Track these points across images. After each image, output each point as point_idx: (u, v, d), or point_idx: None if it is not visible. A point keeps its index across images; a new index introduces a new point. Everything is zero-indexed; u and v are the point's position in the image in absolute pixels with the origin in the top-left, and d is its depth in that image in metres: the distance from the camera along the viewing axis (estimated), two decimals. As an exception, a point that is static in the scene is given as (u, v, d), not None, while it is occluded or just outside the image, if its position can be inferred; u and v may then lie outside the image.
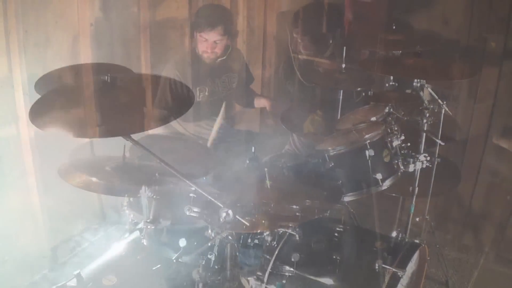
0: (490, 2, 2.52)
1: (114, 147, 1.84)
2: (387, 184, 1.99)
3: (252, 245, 1.80)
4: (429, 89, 2.24)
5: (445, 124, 2.12)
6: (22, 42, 2.21)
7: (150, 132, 2.20)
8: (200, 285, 1.67)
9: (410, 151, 2.07)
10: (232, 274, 1.74)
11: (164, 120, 1.59)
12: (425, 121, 2.10)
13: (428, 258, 2.01)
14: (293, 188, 1.85)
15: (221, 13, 2.74)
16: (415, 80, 2.24)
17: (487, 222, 2.84)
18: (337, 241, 1.91)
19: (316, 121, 2.47)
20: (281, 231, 1.81)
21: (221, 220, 1.57)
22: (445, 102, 2.13)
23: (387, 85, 2.58)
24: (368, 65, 2.46)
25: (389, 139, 2.01)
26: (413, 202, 2.24)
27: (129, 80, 1.73)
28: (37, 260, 2.48)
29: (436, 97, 2.18)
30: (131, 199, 1.76)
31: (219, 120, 2.62)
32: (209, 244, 1.67)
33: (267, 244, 1.82)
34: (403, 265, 1.76)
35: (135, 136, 1.53)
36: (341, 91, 2.36)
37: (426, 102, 2.15)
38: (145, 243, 1.72)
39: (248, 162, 1.88)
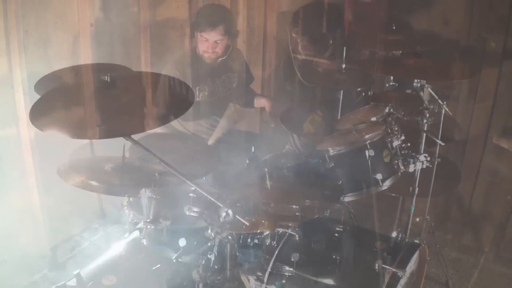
0: (490, 2, 2.52)
1: (114, 147, 1.84)
2: (387, 184, 1.99)
3: (252, 245, 1.80)
4: (429, 89, 2.24)
5: (445, 124, 2.12)
6: (22, 42, 2.21)
7: (150, 131, 2.20)
8: (200, 285, 1.67)
9: (410, 151, 2.07)
10: (232, 274, 1.73)
11: (164, 120, 1.59)
12: (425, 121, 2.10)
13: (428, 258, 2.01)
14: (293, 188, 1.85)
15: (222, 13, 2.74)
16: (415, 80, 2.24)
17: (487, 222, 2.84)
18: (337, 241, 1.91)
19: (316, 121, 2.47)
20: (280, 231, 1.81)
21: (221, 220, 1.57)
22: (445, 103, 2.13)
23: (387, 85, 2.57)
24: (368, 65, 2.46)
25: (389, 139, 2.01)
26: (413, 202, 2.24)
27: (128, 79, 1.73)
28: (37, 260, 2.48)
29: (436, 97, 2.18)
30: (131, 199, 1.76)
31: (224, 122, 2.62)
32: (209, 244, 1.67)
33: (267, 244, 1.82)
34: (403, 265, 1.76)
35: (135, 136, 1.52)
36: (341, 91, 2.36)
37: (426, 102, 2.15)
38: (144, 243, 1.72)
39: (248, 162, 1.88)
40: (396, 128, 2.04)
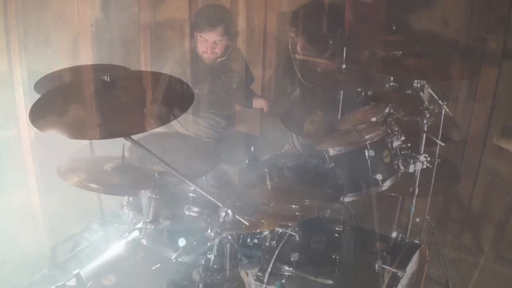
0: (490, 2, 2.52)
1: (114, 147, 1.84)
2: (387, 184, 1.98)
3: (251, 244, 1.80)
4: (429, 90, 2.24)
5: (445, 125, 2.12)
6: (23, 42, 2.21)
7: (150, 131, 2.20)
8: (200, 285, 1.67)
9: (410, 152, 2.06)
10: (232, 274, 1.73)
11: (164, 119, 1.59)
12: (425, 121, 2.10)
13: (428, 259, 2.00)
14: (293, 188, 1.85)
15: (222, 13, 2.74)
16: (415, 81, 2.24)
17: (487, 222, 2.84)
18: (337, 241, 1.91)
19: (316, 122, 2.47)
20: (280, 231, 1.81)
21: (221, 219, 1.57)
22: (445, 103, 2.13)
23: (387, 85, 2.57)
24: (369, 66, 2.46)
25: (389, 139, 2.01)
26: (414, 203, 2.24)
27: (127, 79, 1.73)
28: (36, 259, 2.48)
29: (437, 97, 2.18)
30: (131, 199, 1.76)
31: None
32: (209, 244, 1.67)
33: (267, 244, 1.82)
34: (403, 266, 1.76)
35: (134, 136, 1.52)
36: (341, 91, 2.36)
37: (426, 102, 2.15)
38: (144, 243, 1.72)
39: (247, 162, 1.88)
40: (396, 129, 2.04)
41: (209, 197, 1.58)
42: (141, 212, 1.69)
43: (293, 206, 1.75)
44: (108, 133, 1.50)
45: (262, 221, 1.66)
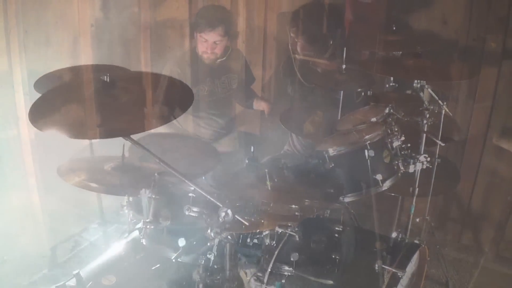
0: (489, 2, 2.52)
1: (114, 147, 1.84)
2: (387, 185, 1.98)
3: (251, 244, 1.80)
4: (429, 90, 2.24)
5: (445, 125, 2.12)
6: (23, 42, 2.22)
7: (149, 131, 2.20)
8: (200, 285, 1.67)
9: (410, 152, 2.07)
10: (231, 274, 1.73)
11: (163, 120, 1.59)
12: (425, 121, 2.10)
13: (428, 259, 2.00)
14: (293, 188, 1.85)
15: (222, 14, 2.74)
16: (415, 81, 2.24)
17: (487, 222, 2.84)
18: (336, 241, 1.91)
19: (316, 122, 2.47)
20: (280, 231, 1.81)
21: (220, 219, 1.57)
22: (445, 103, 2.13)
23: (387, 86, 2.58)
24: (369, 66, 2.46)
25: (389, 139, 2.01)
26: (413, 203, 2.24)
27: (127, 79, 1.73)
28: (36, 259, 2.48)
29: (437, 98, 2.18)
30: (131, 199, 1.76)
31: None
32: (209, 244, 1.67)
33: (266, 244, 1.82)
34: (403, 266, 1.76)
35: (134, 136, 1.53)
36: (341, 91, 2.36)
37: (426, 103, 2.15)
38: (144, 243, 1.72)
39: (247, 162, 1.88)
40: (396, 129, 2.04)
41: (209, 197, 1.58)
42: (141, 212, 1.69)
43: (293, 206, 1.75)
44: (108, 133, 1.50)
45: (262, 221, 1.66)
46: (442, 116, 2.11)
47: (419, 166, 2.08)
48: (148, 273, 1.73)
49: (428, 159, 2.09)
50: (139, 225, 1.82)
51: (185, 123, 2.79)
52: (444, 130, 2.10)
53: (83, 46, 2.49)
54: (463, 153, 2.79)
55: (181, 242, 1.64)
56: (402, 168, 2.02)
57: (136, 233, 1.87)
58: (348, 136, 2.05)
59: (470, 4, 2.59)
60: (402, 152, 2.05)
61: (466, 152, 2.78)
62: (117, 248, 1.84)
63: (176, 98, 1.67)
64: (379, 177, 1.93)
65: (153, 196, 1.65)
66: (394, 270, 1.73)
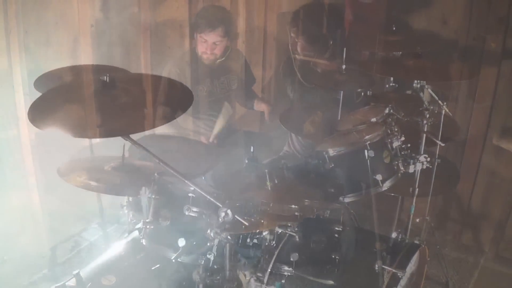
0: (489, 2, 2.52)
1: (114, 148, 1.84)
2: (387, 185, 1.98)
3: (251, 245, 1.80)
4: (429, 90, 2.24)
5: (445, 125, 2.12)
6: (23, 42, 2.22)
7: (147, 132, 2.21)
8: (200, 286, 1.67)
9: (410, 152, 2.07)
10: (231, 274, 1.73)
11: (162, 120, 1.59)
12: (425, 122, 2.10)
13: (428, 259, 2.00)
14: (293, 189, 1.85)
15: (222, 14, 2.74)
16: (415, 81, 2.24)
17: (487, 222, 2.84)
18: (336, 241, 1.91)
19: (316, 122, 2.47)
20: (280, 231, 1.81)
21: (220, 220, 1.57)
22: (445, 103, 2.13)
23: (387, 86, 2.58)
24: (368, 66, 2.46)
25: (389, 140, 2.01)
26: (413, 203, 2.24)
27: (126, 80, 1.73)
28: (36, 260, 2.48)
29: (437, 98, 2.18)
30: (131, 199, 1.76)
31: (221, 120, 2.62)
32: (208, 244, 1.67)
33: (266, 244, 1.82)
34: (403, 266, 1.76)
35: (134, 136, 1.53)
36: (341, 92, 2.36)
37: (426, 103, 2.15)
38: (144, 243, 1.72)
39: (247, 162, 1.88)
40: (396, 129, 2.04)
41: (208, 197, 1.58)
42: (141, 212, 1.69)
43: (293, 206, 1.75)
44: (107, 133, 1.50)
45: (262, 221, 1.66)
46: (442, 116, 2.11)
47: (419, 166, 2.09)
48: (148, 273, 1.73)
49: (428, 159, 2.09)
50: (139, 225, 1.82)
51: (185, 123, 2.79)
52: (444, 130, 2.10)
53: (83, 46, 2.49)
54: (463, 153, 2.79)
55: (181, 242, 1.64)
56: (402, 168, 2.03)
57: (136, 233, 1.87)
58: (348, 136, 2.05)
59: (470, 4, 2.59)
60: (402, 152, 2.05)
61: (466, 152, 2.78)
62: (117, 248, 1.84)
63: (176, 99, 1.67)
64: (379, 177, 1.93)
65: (153, 196, 1.65)
66: (394, 270, 1.73)
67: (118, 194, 1.75)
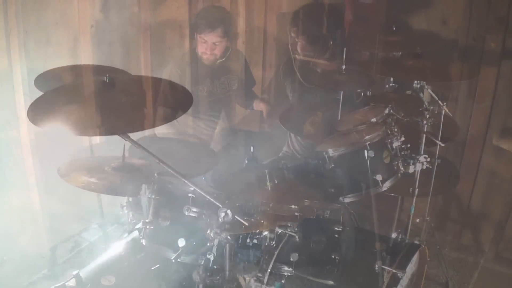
0: (489, 2, 2.52)
1: (114, 148, 1.84)
2: (387, 185, 1.98)
3: (251, 245, 1.80)
4: (429, 90, 2.24)
5: (445, 125, 2.12)
6: (23, 42, 2.22)
7: (147, 133, 2.21)
8: (200, 286, 1.67)
9: (410, 152, 2.07)
10: (231, 274, 1.73)
11: (162, 120, 1.59)
12: (425, 122, 2.10)
13: (428, 259, 2.00)
14: (293, 189, 1.85)
15: (222, 15, 2.74)
16: (415, 82, 2.24)
17: (487, 222, 2.84)
18: (336, 241, 1.91)
19: (316, 122, 2.47)
20: (280, 232, 1.81)
21: (220, 220, 1.57)
22: (445, 104, 2.13)
23: (387, 86, 2.58)
24: (368, 67, 2.46)
25: (389, 140, 2.01)
26: (413, 203, 2.24)
27: (126, 82, 1.73)
28: (36, 260, 2.48)
29: (437, 98, 2.18)
30: (130, 199, 1.76)
31: (220, 125, 2.63)
32: (208, 244, 1.67)
33: (266, 244, 1.82)
34: (403, 266, 1.76)
35: (134, 137, 1.53)
36: (341, 92, 2.36)
37: (426, 103, 2.15)
38: (144, 243, 1.72)
39: (246, 162, 1.88)
40: (396, 129, 2.04)
41: (208, 197, 1.58)
42: (141, 212, 1.69)
43: (293, 206, 1.75)
44: (107, 131, 1.50)
45: (262, 221, 1.66)
46: (442, 116, 2.11)
47: (419, 167, 2.08)
48: (148, 273, 1.73)
49: (428, 159, 2.09)
50: (139, 225, 1.82)
51: (185, 123, 2.79)
52: (444, 131, 2.10)
53: (83, 47, 2.50)
54: (463, 154, 2.79)
55: (181, 242, 1.64)
56: (402, 168, 2.03)
57: (136, 233, 1.87)
58: (348, 136, 2.05)
59: (470, 4, 2.59)
60: (402, 153, 2.05)
61: (466, 152, 2.78)
62: (117, 248, 1.84)
63: (176, 101, 1.68)
64: (379, 177, 1.93)
65: (153, 196, 1.65)
66: (394, 271, 1.73)
67: (118, 194, 1.75)
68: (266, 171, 1.78)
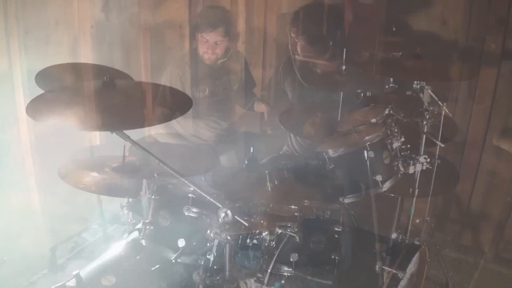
0: (489, 2, 2.52)
1: (114, 149, 1.84)
2: (387, 186, 1.98)
3: (251, 245, 1.80)
4: (429, 91, 2.24)
5: (445, 126, 2.12)
6: (23, 43, 2.22)
7: (147, 134, 2.21)
8: (200, 286, 1.67)
9: (410, 153, 2.07)
10: (231, 275, 1.73)
11: (161, 120, 1.59)
12: (425, 122, 2.10)
13: (428, 260, 2.00)
14: (293, 189, 1.85)
15: (223, 14, 2.75)
16: (415, 82, 2.24)
17: (486, 223, 2.84)
18: (336, 242, 1.91)
19: (316, 123, 2.47)
20: (280, 232, 1.81)
21: (220, 220, 1.57)
22: (445, 104, 2.13)
23: (387, 86, 2.57)
24: (368, 67, 2.46)
25: (389, 140, 2.01)
26: (413, 204, 2.24)
27: (127, 85, 1.74)
28: (36, 260, 2.48)
29: (436, 98, 2.18)
30: (130, 199, 1.76)
31: (221, 125, 2.63)
32: (208, 244, 1.67)
33: (266, 244, 1.82)
34: (403, 267, 1.76)
35: (133, 138, 1.53)
36: (341, 92, 2.36)
37: (426, 103, 2.15)
38: (144, 244, 1.72)
39: (246, 162, 1.88)
40: (396, 130, 2.04)
41: (208, 198, 1.58)
42: (141, 213, 1.69)
43: (293, 206, 1.75)
44: (106, 127, 1.50)
45: (262, 222, 1.66)
46: (442, 117, 2.11)
47: (419, 167, 2.09)
48: (148, 274, 1.73)
49: (428, 160, 2.10)
50: (139, 225, 1.82)
51: (185, 124, 2.79)
52: (444, 131, 2.10)
53: (83, 47, 2.50)
54: (463, 154, 2.79)
55: (181, 242, 1.64)
56: (402, 169, 2.03)
57: (135, 234, 1.87)
58: (348, 137, 2.05)
59: (469, 4, 2.59)
60: (402, 153, 2.05)
61: (466, 152, 2.78)
62: (117, 248, 1.84)
63: (175, 104, 1.68)
64: (379, 178, 1.94)
65: (153, 197, 1.65)
66: (394, 271, 1.73)
67: (118, 195, 1.75)
68: (266, 172, 1.78)
